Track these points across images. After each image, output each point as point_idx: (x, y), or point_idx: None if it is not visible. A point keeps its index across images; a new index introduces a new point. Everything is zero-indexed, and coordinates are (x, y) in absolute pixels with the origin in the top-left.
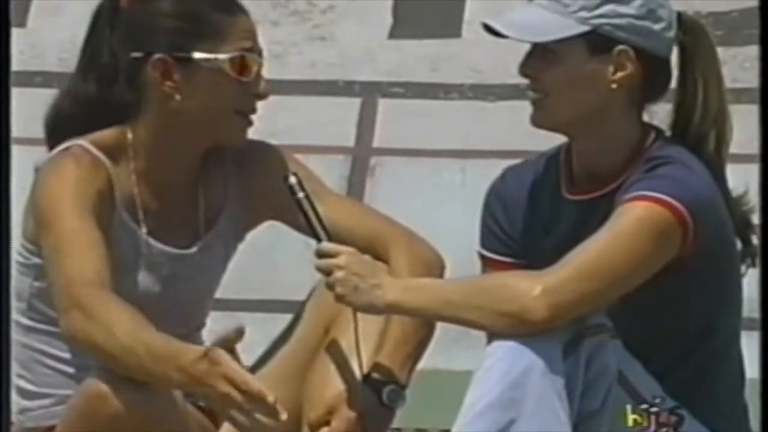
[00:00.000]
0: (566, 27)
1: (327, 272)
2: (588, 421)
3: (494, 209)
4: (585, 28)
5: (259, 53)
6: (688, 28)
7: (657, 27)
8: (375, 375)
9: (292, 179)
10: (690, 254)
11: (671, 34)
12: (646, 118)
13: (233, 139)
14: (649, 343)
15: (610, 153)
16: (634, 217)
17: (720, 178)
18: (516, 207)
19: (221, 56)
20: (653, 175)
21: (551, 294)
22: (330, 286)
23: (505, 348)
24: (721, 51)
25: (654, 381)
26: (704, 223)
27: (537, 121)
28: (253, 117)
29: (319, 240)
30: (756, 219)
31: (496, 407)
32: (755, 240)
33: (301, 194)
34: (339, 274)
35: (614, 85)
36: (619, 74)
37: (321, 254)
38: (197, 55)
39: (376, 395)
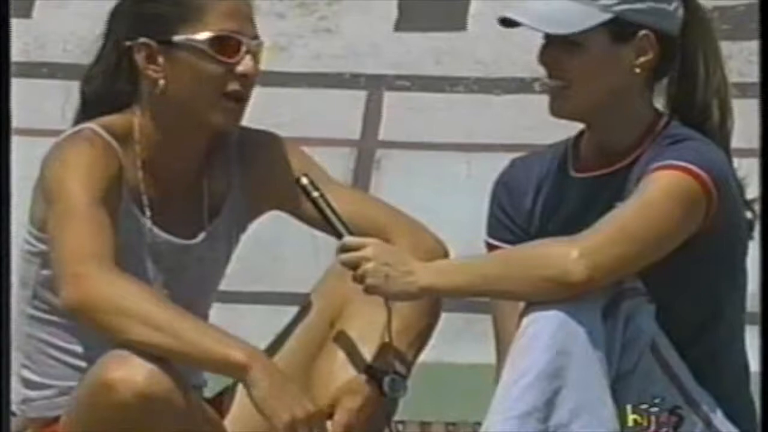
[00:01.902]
0: (590, 16)
1: (354, 266)
2: (622, 381)
3: (501, 198)
4: (608, 16)
5: (254, 36)
6: (686, 4)
7: (671, 8)
8: (375, 365)
9: (304, 180)
10: (711, 225)
11: (681, 12)
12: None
13: (222, 123)
14: (663, 322)
15: (624, 132)
16: (663, 184)
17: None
18: (522, 195)
19: (199, 37)
20: (678, 147)
21: (589, 257)
22: (358, 279)
23: (546, 316)
24: (727, 45)
25: (677, 354)
26: (724, 196)
27: (558, 111)
28: (247, 102)
29: (339, 236)
30: (748, 195)
31: (545, 377)
32: (749, 214)
33: (315, 193)
34: (369, 265)
35: (637, 70)
36: (642, 59)
37: (346, 249)
38: (177, 37)
39: (377, 385)
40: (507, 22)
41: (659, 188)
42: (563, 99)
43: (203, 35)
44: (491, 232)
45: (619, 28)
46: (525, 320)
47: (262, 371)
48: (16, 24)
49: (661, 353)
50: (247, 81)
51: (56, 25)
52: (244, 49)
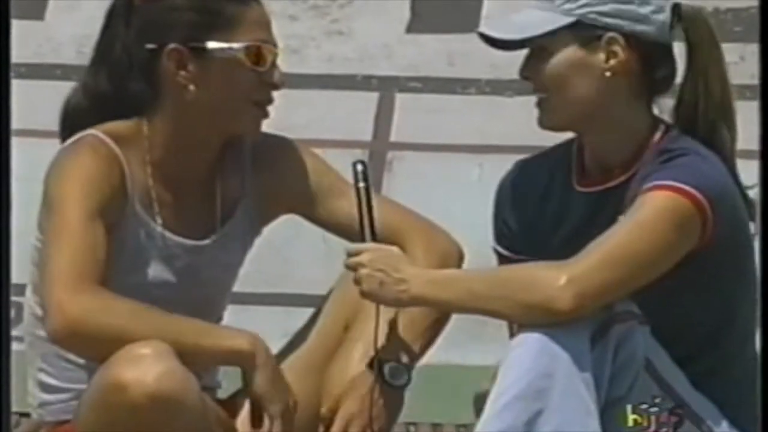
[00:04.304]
0: (551, 20)
1: (354, 270)
2: (614, 407)
3: (504, 205)
4: (570, 20)
5: (274, 44)
6: (688, 18)
7: (644, 10)
8: (378, 355)
9: (359, 167)
10: (710, 243)
11: (663, 17)
12: (656, 112)
13: (248, 130)
14: (673, 332)
15: (618, 144)
16: (655, 206)
17: (732, 168)
18: (526, 202)
19: (236, 45)
20: (671, 165)
21: (576, 283)
22: (357, 283)
23: (532, 339)
24: (740, 47)
25: (678, 369)
26: (722, 212)
27: (543, 122)
28: (270, 109)
29: (362, 236)
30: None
31: (524, 399)
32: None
33: (361, 184)
34: (363, 271)
35: (608, 74)
36: (612, 62)
37: (349, 253)
38: (211, 44)
39: (378, 374)
40: (482, 37)
41: (651, 210)
42: (545, 110)
43: (239, 44)
44: (497, 239)
45: (585, 32)
46: (513, 342)
47: (264, 359)
48: (28, 26)
49: (656, 371)
50: (276, 90)
51: (69, 26)
52: (271, 58)
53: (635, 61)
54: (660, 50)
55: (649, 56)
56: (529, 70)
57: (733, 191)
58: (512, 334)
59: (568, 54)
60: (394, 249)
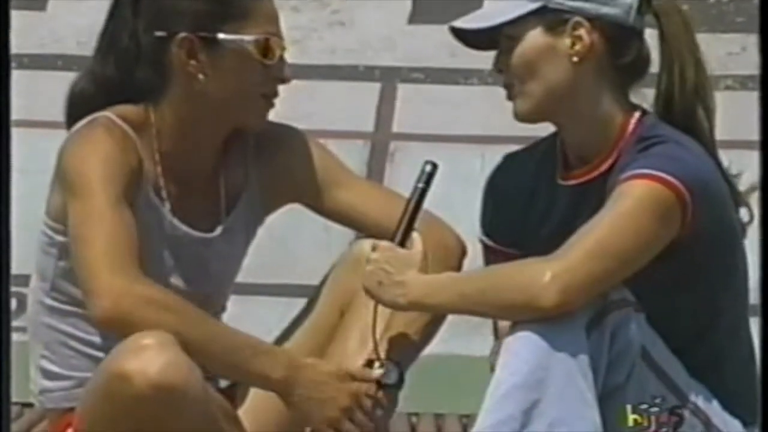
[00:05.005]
0: (517, 7)
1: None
2: (613, 395)
3: (493, 197)
4: (535, 5)
5: (282, 37)
6: (662, 10)
7: None
8: (370, 353)
9: (428, 167)
10: (691, 231)
11: (629, 0)
12: (636, 101)
13: (254, 123)
14: (662, 325)
15: (592, 133)
16: (634, 195)
17: (713, 155)
18: (514, 195)
19: (246, 38)
20: (649, 154)
21: (560, 279)
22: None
23: (529, 330)
24: (742, 37)
25: (674, 357)
26: (702, 199)
27: (516, 113)
28: (275, 101)
29: (395, 233)
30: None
31: (523, 388)
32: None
33: (420, 184)
34: (369, 267)
35: (575, 59)
36: (577, 47)
37: (371, 246)
38: (222, 35)
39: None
40: (454, 32)
41: (630, 200)
42: (516, 101)
43: (250, 36)
44: (485, 231)
45: (551, 17)
46: (511, 333)
47: (302, 384)
48: (30, 17)
49: (653, 359)
50: (283, 83)
51: (71, 17)
52: (279, 52)
53: (601, 44)
54: (627, 33)
55: (615, 40)
56: (501, 62)
57: (713, 177)
58: (496, 329)
59: (534, 40)
60: (410, 253)
